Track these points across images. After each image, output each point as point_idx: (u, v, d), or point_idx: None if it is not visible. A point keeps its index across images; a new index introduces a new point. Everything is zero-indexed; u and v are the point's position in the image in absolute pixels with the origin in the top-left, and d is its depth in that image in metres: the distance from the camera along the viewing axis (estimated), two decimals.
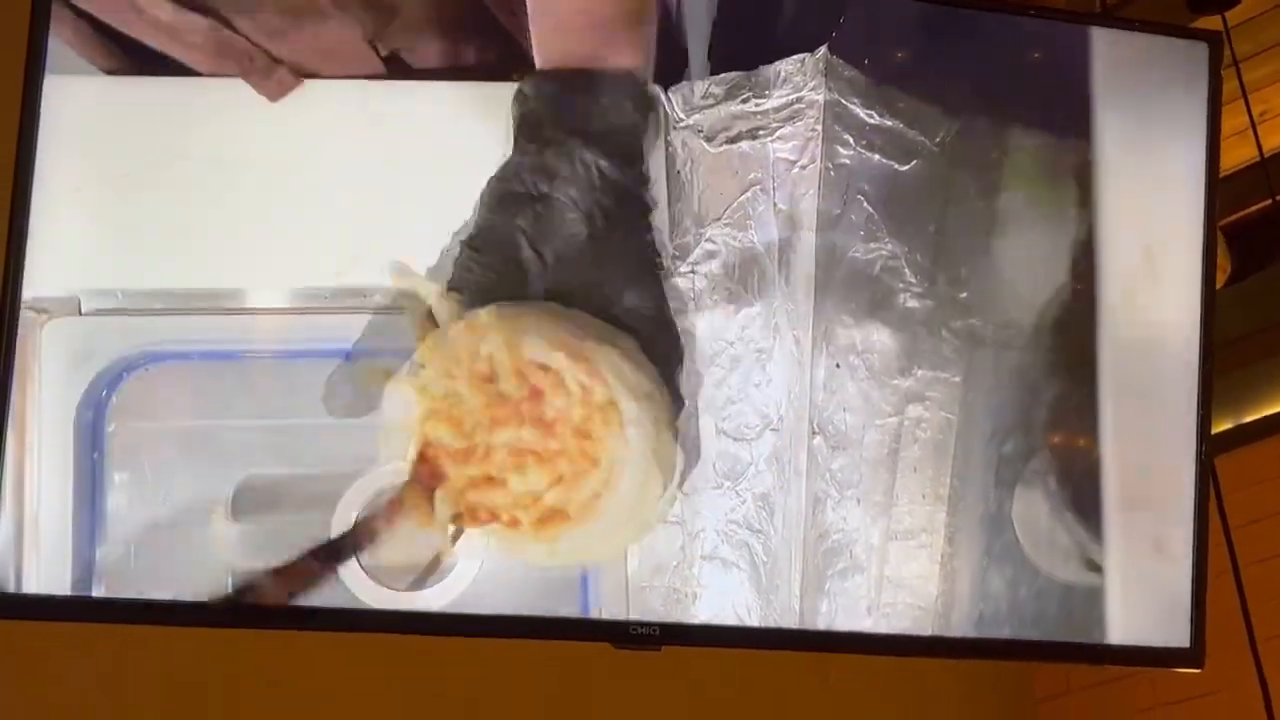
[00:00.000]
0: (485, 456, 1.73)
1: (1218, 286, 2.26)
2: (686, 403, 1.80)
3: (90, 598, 1.69)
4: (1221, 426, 3.55)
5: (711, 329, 1.83)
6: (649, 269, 1.81)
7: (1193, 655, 1.91)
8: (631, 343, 1.77)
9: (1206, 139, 2.01)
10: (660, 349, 1.79)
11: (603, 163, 1.79)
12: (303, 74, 1.76)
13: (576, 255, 1.78)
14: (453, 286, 1.76)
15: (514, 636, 1.84)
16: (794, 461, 1.85)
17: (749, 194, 1.85)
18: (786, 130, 1.86)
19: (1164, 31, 2.06)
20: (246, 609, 1.72)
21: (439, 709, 2.64)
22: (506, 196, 1.78)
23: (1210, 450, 1.97)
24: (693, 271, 1.83)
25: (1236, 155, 3.57)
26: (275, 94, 1.76)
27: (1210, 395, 1.95)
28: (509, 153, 1.79)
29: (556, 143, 1.78)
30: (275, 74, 1.76)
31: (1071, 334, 1.96)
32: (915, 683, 3.18)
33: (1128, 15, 2.97)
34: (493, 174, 1.78)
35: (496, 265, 1.77)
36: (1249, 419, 3.53)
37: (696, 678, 2.86)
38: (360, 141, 1.79)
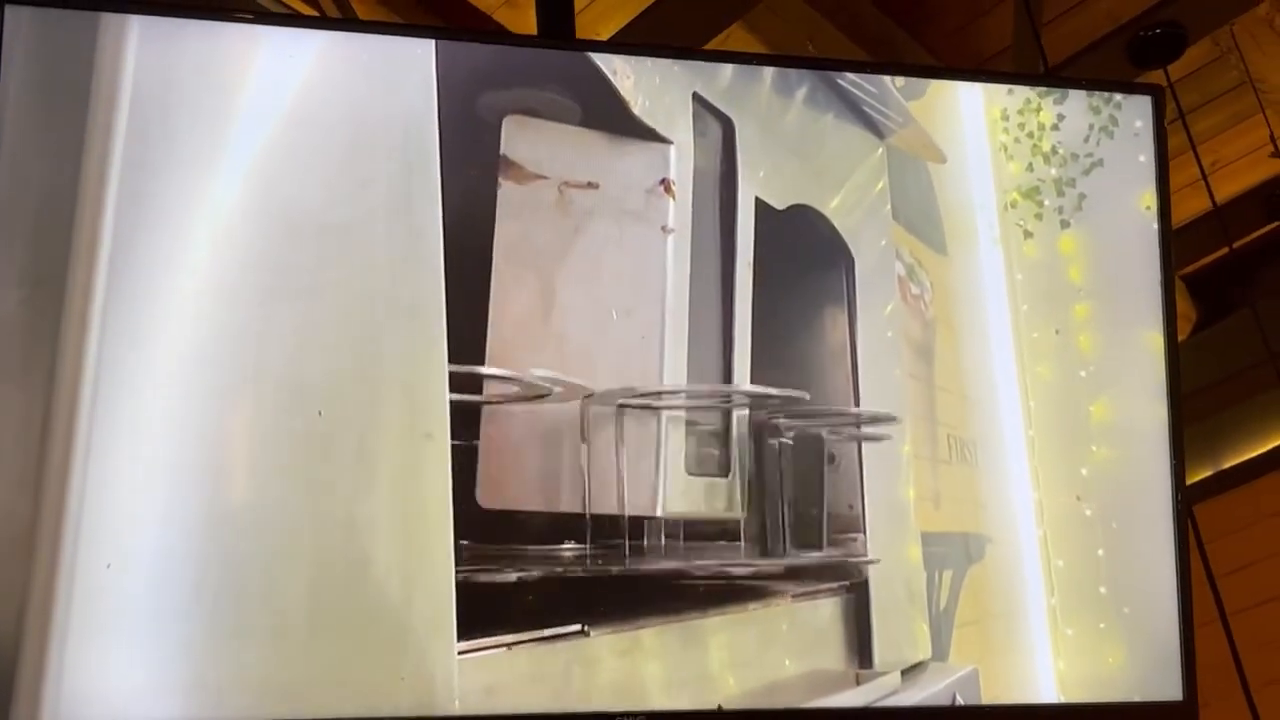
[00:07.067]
0: None
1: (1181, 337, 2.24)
2: None
3: None
4: (1199, 475, 3.53)
5: None
6: None
7: (1187, 709, 1.86)
8: None
9: (1156, 190, 2.01)
10: None
11: None
12: None
13: None
14: None
15: None
16: None
17: None
18: None
19: (1108, 87, 2.06)
20: None
21: None
22: None
23: (1188, 500, 1.94)
24: None
25: (1190, 207, 3.60)
26: None
27: (1182, 442, 1.93)
28: None
29: None
30: None
31: None
32: None
33: (1071, 74, 3.00)
34: None
35: None
36: (1228, 465, 3.52)
37: None
38: None
